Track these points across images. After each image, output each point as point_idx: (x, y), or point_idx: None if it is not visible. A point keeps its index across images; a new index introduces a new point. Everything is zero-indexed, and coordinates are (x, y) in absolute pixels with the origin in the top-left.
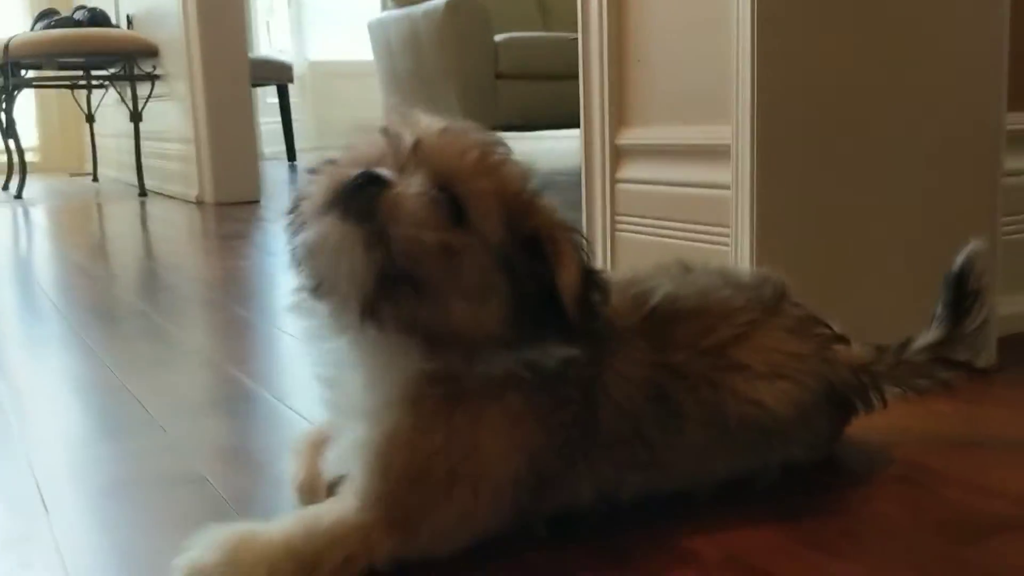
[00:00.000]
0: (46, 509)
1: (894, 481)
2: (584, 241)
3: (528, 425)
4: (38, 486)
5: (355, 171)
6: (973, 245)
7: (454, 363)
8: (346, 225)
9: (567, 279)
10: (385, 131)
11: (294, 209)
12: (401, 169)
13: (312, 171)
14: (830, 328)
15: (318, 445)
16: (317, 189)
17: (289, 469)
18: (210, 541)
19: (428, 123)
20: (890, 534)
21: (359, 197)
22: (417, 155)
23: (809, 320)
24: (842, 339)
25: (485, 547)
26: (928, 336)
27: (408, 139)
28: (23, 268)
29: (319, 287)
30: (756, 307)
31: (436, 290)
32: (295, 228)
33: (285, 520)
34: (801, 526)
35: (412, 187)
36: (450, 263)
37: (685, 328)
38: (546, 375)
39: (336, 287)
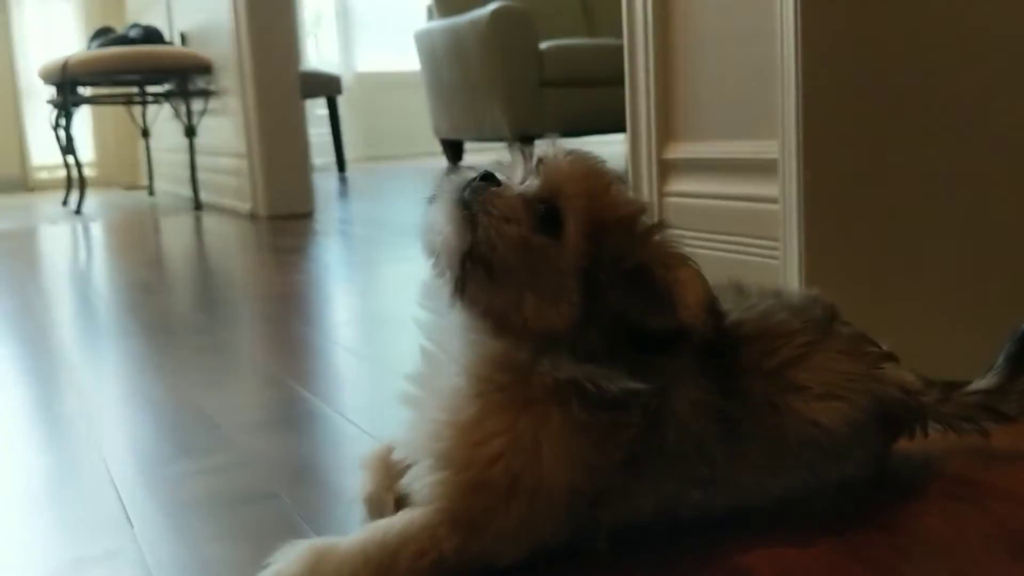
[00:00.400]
0: (131, 524)
1: (942, 496)
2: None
3: (590, 438)
4: (122, 502)
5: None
6: None
7: (521, 349)
8: (451, 209)
9: (685, 314)
10: (522, 150)
11: (430, 199)
12: (523, 180)
13: (448, 172)
14: (879, 347)
15: (387, 461)
16: (448, 184)
17: (359, 484)
18: (291, 555)
19: (562, 150)
20: (939, 549)
21: (471, 188)
22: (538, 170)
23: (859, 339)
24: (891, 357)
25: (543, 558)
26: (981, 382)
27: (536, 157)
28: (88, 284)
29: (432, 262)
30: (812, 329)
31: (509, 279)
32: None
33: (360, 533)
34: (852, 542)
35: (515, 189)
36: (527, 258)
37: (748, 351)
38: (611, 396)
39: (438, 262)
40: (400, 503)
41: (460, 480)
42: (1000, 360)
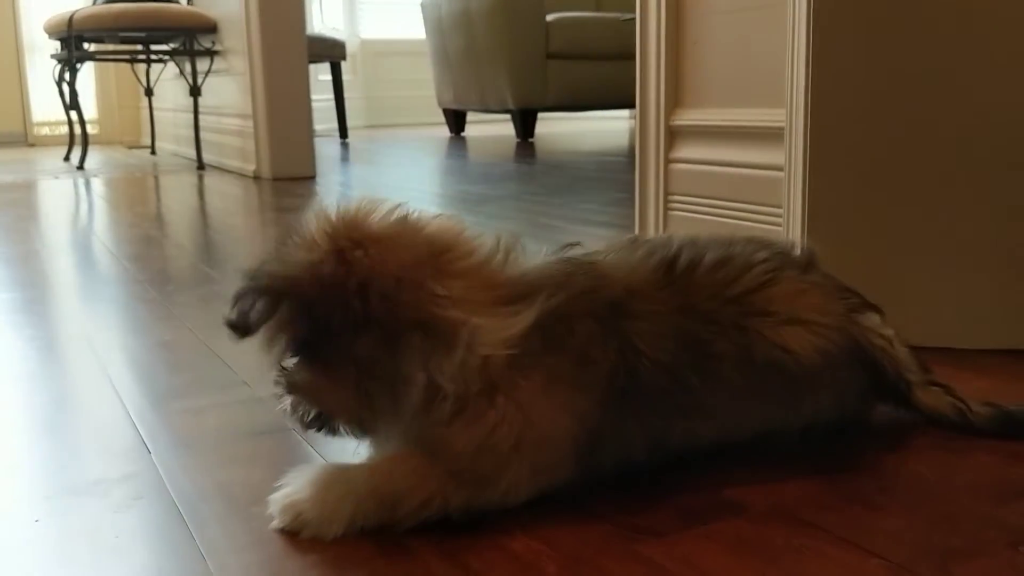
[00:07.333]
0: (148, 450)
1: (930, 446)
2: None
3: (561, 390)
4: (138, 430)
5: None
6: None
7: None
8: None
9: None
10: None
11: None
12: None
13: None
14: (861, 296)
15: None
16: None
17: None
18: (302, 479)
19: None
20: (925, 492)
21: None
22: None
23: (837, 286)
24: (874, 308)
25: (547, 496)
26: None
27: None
28: (94, 236)
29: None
30: (778, 258)
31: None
32: None
33: (370, 461)
34: (841, 482)
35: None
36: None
37: (708, 278)
38: (563, 345)
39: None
40: None
41: (463, 448)
42: (1004, 406)
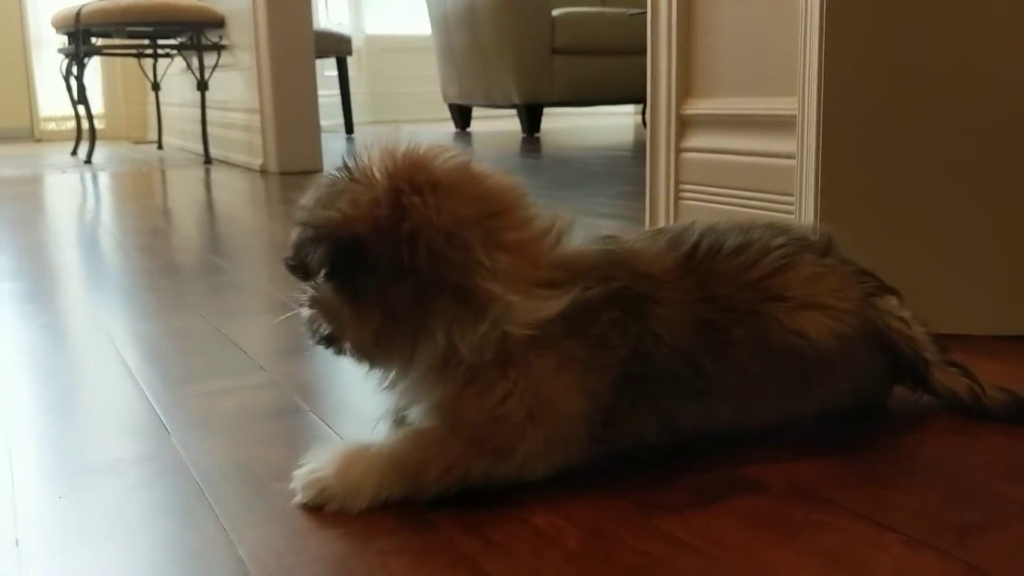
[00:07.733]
0: (167, 430)
1: (945, 430)
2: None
3: (576, 369)
4: (158, 414)
5: None
6: None
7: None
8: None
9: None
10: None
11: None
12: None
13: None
14: (878, 279)
15: None
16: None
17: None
18: (324, 455)
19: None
20: (941, 472)
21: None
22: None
23: (855, 269)
24: (892, 290)
25: (566, 474)
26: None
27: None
28: (102, 227)
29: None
30: (795, 243)
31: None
32: None
33: (389, 438)
34: (858, 463)
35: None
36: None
37: (726, 264)
38: (585, 332)
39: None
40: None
41: (476, 417)
42: (1018, 393)
